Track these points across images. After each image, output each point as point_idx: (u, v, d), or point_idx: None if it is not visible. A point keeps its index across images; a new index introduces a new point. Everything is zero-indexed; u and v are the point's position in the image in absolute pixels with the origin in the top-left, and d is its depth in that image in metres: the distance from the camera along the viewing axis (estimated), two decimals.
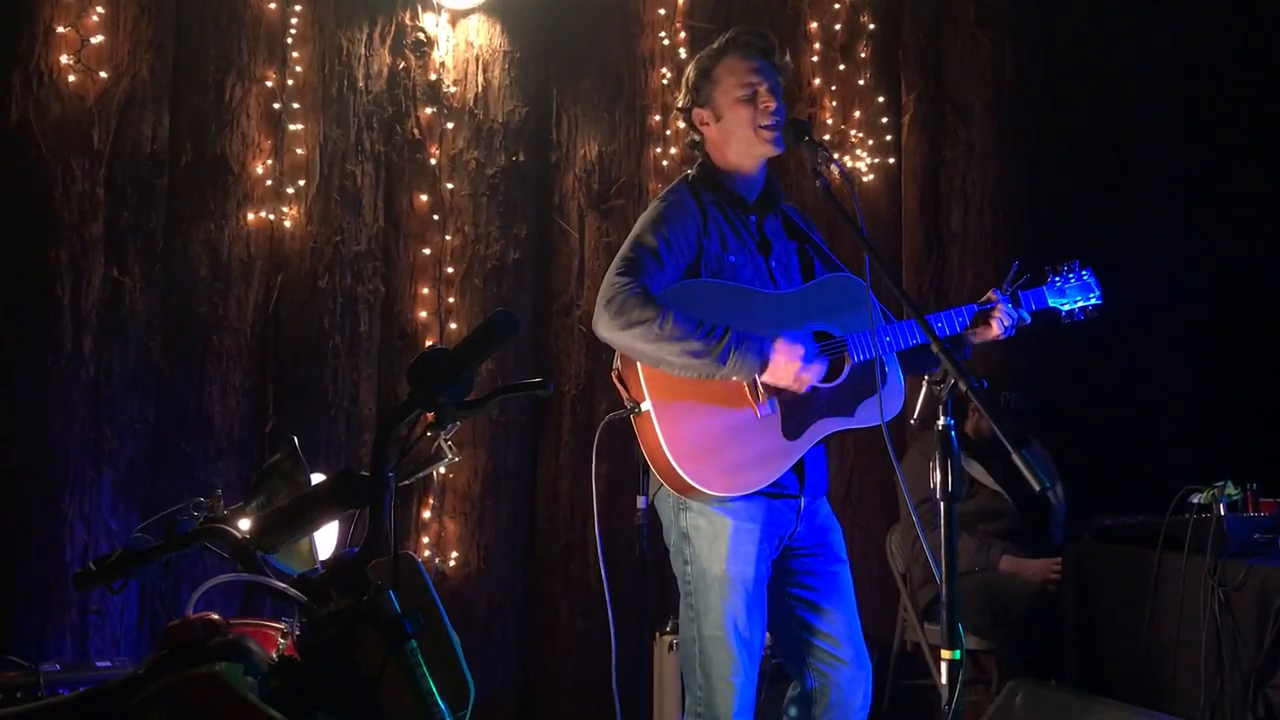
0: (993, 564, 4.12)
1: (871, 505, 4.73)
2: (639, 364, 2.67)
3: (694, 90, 2.87)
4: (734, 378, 2.64)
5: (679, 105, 2.94)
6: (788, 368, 2.62)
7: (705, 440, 2.64)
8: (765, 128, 2.77)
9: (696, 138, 2.91)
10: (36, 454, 3.78)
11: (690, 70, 2.91)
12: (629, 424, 2.71)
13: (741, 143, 2.81)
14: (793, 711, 3.64)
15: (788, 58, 2.93)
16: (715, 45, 2.88)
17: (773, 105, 2.78)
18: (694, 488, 2.63)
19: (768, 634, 2.83)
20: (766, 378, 2.64)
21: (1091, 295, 2.93)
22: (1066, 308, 2.92)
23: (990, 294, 2.85)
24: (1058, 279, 2.92)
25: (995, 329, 2.80)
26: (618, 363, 2.75)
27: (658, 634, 3.92)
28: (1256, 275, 5.00)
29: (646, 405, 2.65)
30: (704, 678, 2.69)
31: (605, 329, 2.65)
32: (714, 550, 2.67)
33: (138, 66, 4.00)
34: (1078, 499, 4.38)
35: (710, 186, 2.83)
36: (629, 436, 2.74)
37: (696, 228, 2.75)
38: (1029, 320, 2.86)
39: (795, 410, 2.69)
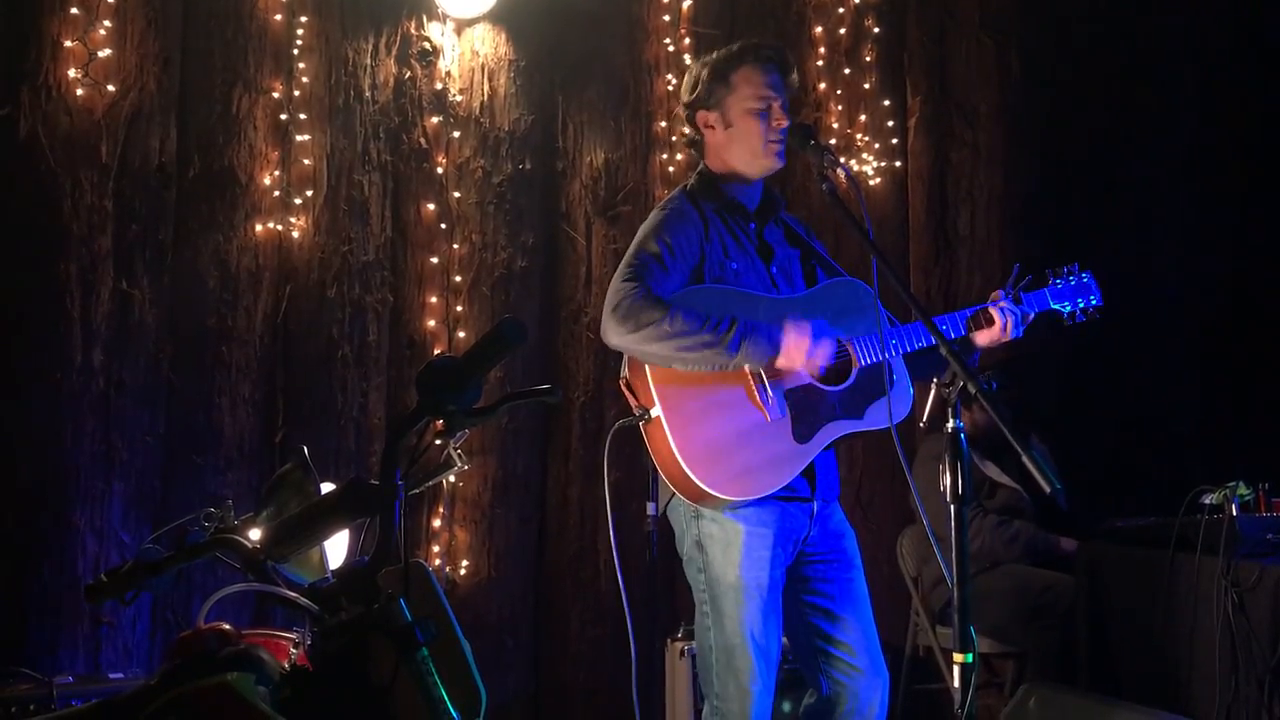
0: (1053, 547, 4.09)
1: (882, 509, 4.71)
2: (648, 370, 2.66)
3: (705, 91, 2.84)
4: (746, 366, 2.63)
5: (683, 101, 2.91)
6: (799, 348, 2.61)
7: (716, 445, 2.63)
8: (773, 143, 2.78)
9: (696, 137, 2.89)
10: (47, 467, 3.80)
11: (701, 70, 2.86)
12: (637, 431, 2.70)
13: (747, 153, 2.81)
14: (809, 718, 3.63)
15: (794, 76, 2.90)
16: (733, 49, 2.85)
17: (785, 124, 2.78)
18: (707, 493, 2.61)
19: (784, 640, 2.82)
20: (781, 361, 2.63)
21: (1091, 297, 2.93)
22: (1067, 309, 2.92)
23: (995, 295, 2.86)
24: (1058, 280, 2.93)
25: (999, 328, 2.79)
26: (625, 370, 2.73)
27: (669, 641, 3.90)
28: (1266, 275, 4.99)
29: (656, 411, 2.64)
30: (721, 686, 2.67)
31: (614, 335, 2.63)
32: (728, 557, 2.65)
33: (145, 80, 4.02)
34: (1089, 500, 4.36)
35: (710, 195, 2.83)
36: (637, 444, 2.73)
37: (699, 234, 2.75)
38: (1031, 318, 2.86)
39: (806, 413, 2.69)
